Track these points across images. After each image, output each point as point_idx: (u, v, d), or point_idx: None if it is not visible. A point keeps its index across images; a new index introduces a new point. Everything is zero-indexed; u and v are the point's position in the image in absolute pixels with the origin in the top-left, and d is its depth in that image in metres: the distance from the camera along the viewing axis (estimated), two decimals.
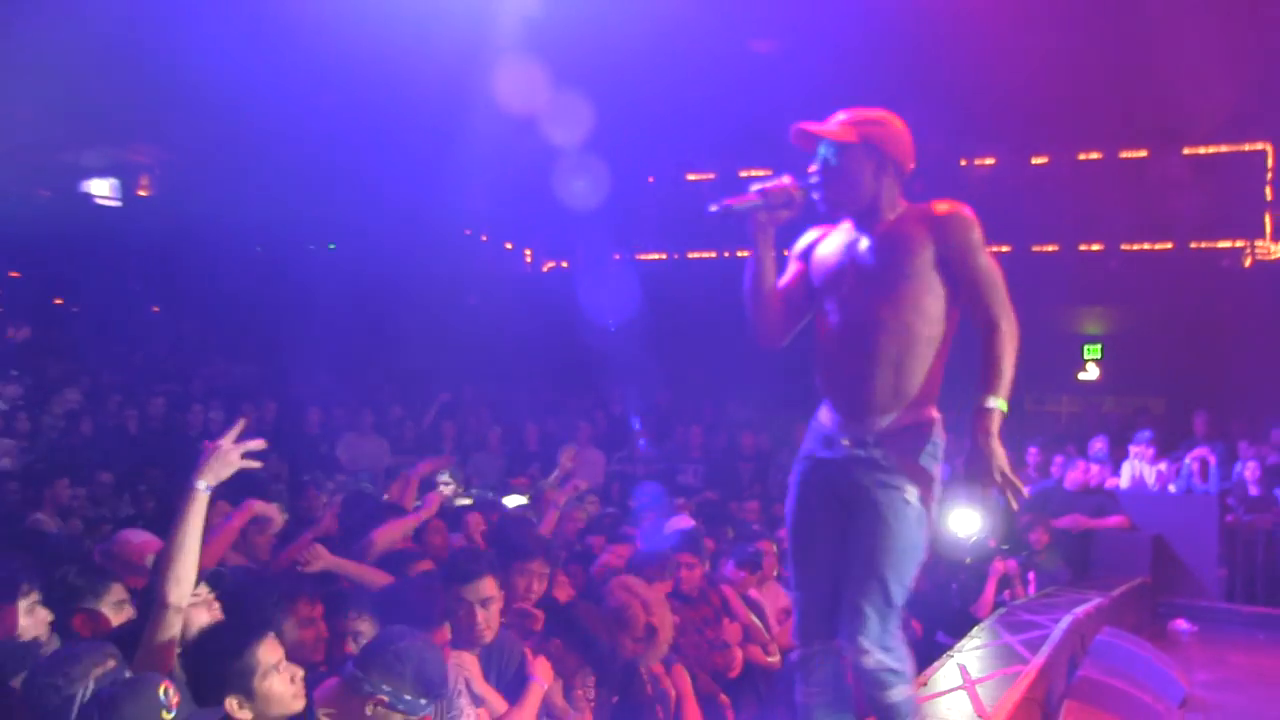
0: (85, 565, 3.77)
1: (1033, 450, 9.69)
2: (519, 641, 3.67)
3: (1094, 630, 6.26)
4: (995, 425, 2.85)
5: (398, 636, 2.89)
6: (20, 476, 6.52)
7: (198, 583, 2.88)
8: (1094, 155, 12.81)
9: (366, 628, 3.32)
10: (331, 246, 15.15)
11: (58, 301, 13.28)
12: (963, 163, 13.19)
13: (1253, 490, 8.91)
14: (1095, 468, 9.15)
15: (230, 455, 2.85)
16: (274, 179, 12.82)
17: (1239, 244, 12.03)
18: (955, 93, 10.95)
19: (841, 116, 3.01)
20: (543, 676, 3.54)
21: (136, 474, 6.92)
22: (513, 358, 11.62)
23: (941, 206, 2.95)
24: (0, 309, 12.05)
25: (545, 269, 15.71)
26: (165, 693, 2.35)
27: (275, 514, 4.46)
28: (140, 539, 4.01)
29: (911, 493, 2.90)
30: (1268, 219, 11.96)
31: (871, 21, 9.78)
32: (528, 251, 15.95)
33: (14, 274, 13.44)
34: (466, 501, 7.03)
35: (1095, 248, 12.51)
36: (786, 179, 3.05)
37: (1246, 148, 12.17)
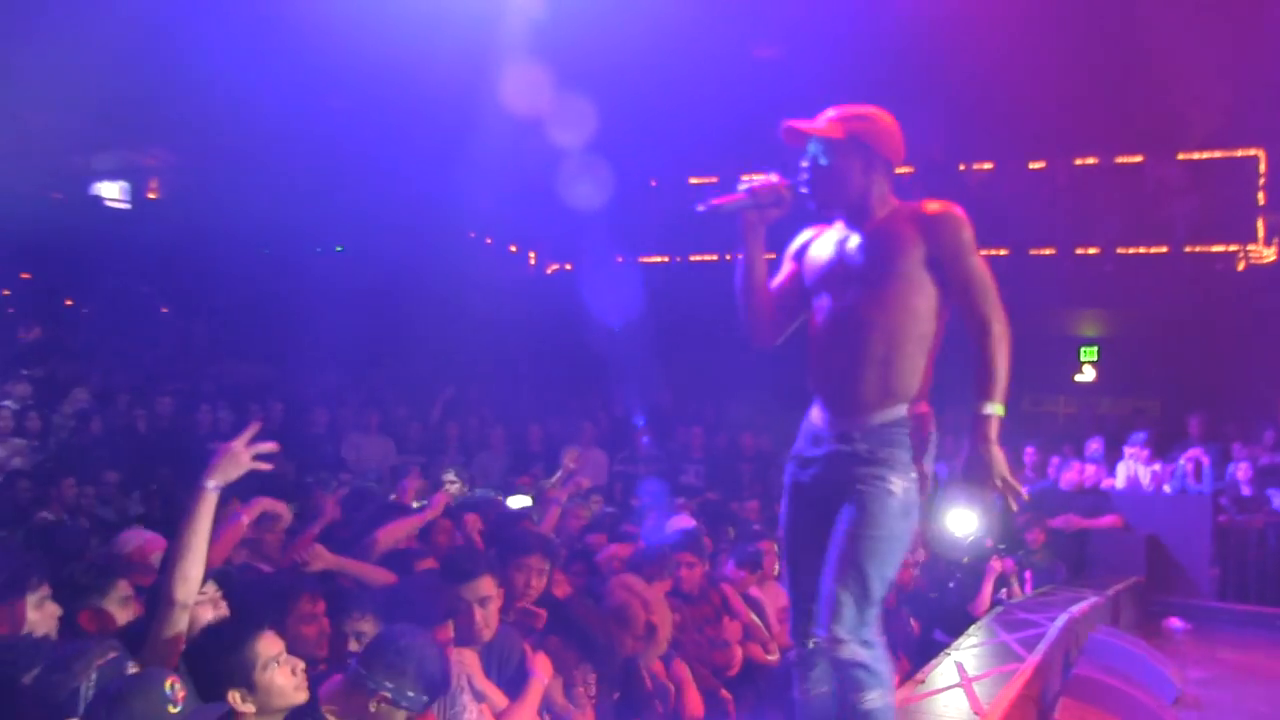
0: (91, 563, 3.79)
1: (1029, 450, 9.70)
2: (519, 638, 3.67)
3: (1089, 629, 6.26)
4: (993, 431, 2.83)
5: (401, 635, 2.89)
6: (31, 475, 6.52)
7: (205, 581, 2.89)
8: (1090, 160, 12.81)
9: (369, 628, 3.32)
10: (339, 249, 15.16)
11: (68, 302, 13.28)
12: (961, 167, 13.19)
13: (1245, 491, 8.91)
14: (1091, 468, 9.16)
15: (241, 457, 2.86)
16: (281, 182, 12.85)
17: (1232, 248, 12.02)
18: (954, 99, 10.96)
19: (831, 114, 2.97)
20: (542, 672, 3.55)
21: (144, 473, 6.92)
22: (516, 359, 11.63)
23: (932, 206, 2.91)
24: (11, 310, 12.05)
25: (549, 271, 15.70)
26: (172, 687, 2.35)
27: (284, 511, 4.46)
28: (143, 538, 4.01)
29: (896, 484, 2.84)
30: (1260, 223, 11.95)
31: (872, 28, 9.80)
32: (531, 254, 15.95)
33: (25, 275, 13.44)
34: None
35: (1091, 251, 12.49)
36: (775, 177, 3.02)
37: (1240, 153, 12.16)
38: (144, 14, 9.32)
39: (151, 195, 17.00)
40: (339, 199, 12.96)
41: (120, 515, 6.16)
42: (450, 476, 7.69)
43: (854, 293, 2.92)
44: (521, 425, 10.17)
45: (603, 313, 10.65)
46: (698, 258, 13.50)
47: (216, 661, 2.64)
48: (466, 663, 3.39)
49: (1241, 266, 11.93)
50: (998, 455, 2.82)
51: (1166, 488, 9.09)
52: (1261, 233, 11.95)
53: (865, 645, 2.81)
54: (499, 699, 3.42)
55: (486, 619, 3.49)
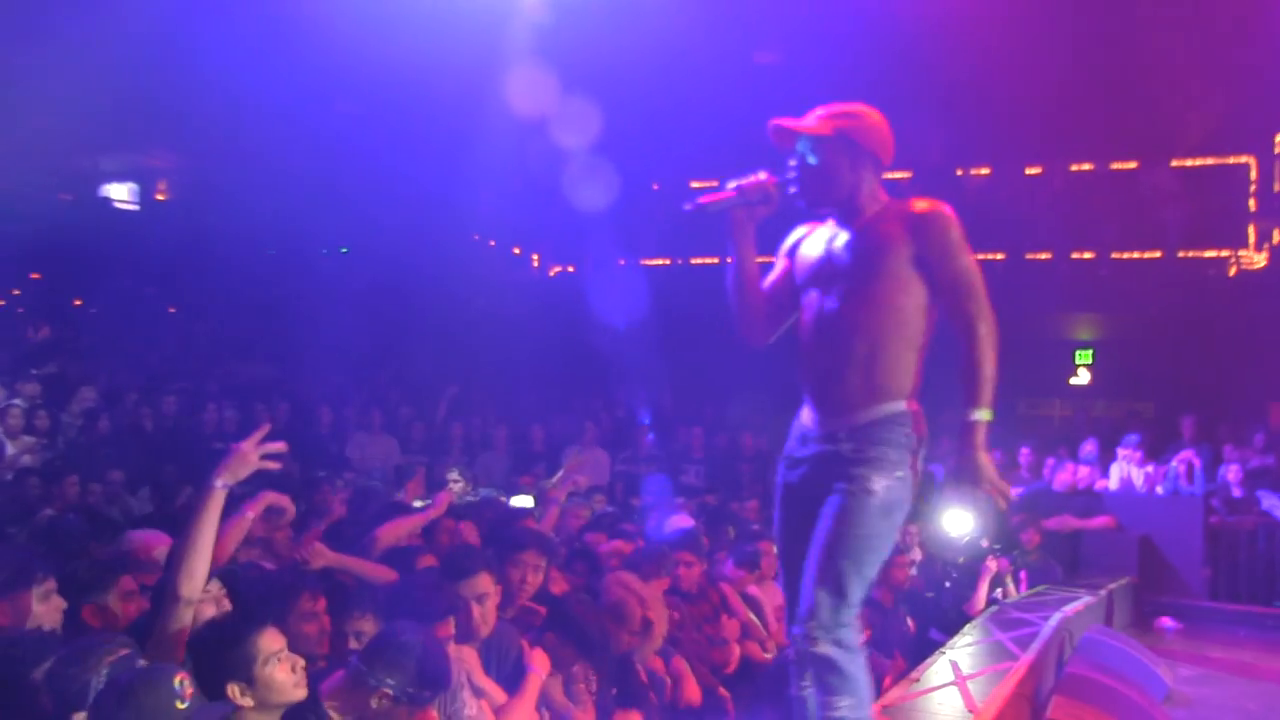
0: (94, 559, 3.80)
1: (1025, 452, 9.70)
2: (516, 634, 3.68)
3: (1082, 628, 6.27)
4: (981, 437, 2.76)
5: (401, 632, 2.90)
6: (40, 473, 6.53)
7: (210, 579, 2.91)
8: (1086, 166, 12.83)
9: (368, 626, 3.32)
10: (344, 250, 15.17)
11: (77, 303, 13.29)
12: (959, 172, 13.21)
13: (1235, 492, 8.92)
14: (1084, 469, 9.17)
15: (250, 457, 2.88)
16: (288, 184, 12.86)
17: (1224, 253, 12.04)
18: (952, 104, 10.99)
19: (819, 112, 2.93)
20: (540, 667, 3.55)
21: (150, 471, 6.93)
22: (519, 360, 11.62)
23: (920, 205, 2.85)
24: (21, 309, 12.07)
25: (552, 273, 15.70)
26: (180, 684, 2.36)
27: (288, 504, 4.46)
28: (146, 535, 4.02)
29: (877, 483, 2.76)
30: (1251, 230, 11.98)
31: (871, 34, 9.82)
32: (535, 256, 15.95)
33: (34, 275, 13.46)
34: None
35: (1087, 256, 12.51)
36: (763, 175, 2.98)
37: (1231, 160, 12.20)
38: (152, 18, 9.33)
39: (160, 197, 17.02)
40: (344, 201, 12.97)
41: (124, 513, 6.16)
42: (454, 476, 7.70)
43: (840, 291, 2.87)
44: (524, 425, 10.17)
45: (605, 314, 10.66)
46: (699, 260, 13.51)
47: (218, 655, 2.65)
48: (465, 659, 3.39)
49: (1233, 272, 11.95)
50: (985, 461, 2.75)
51: (1159, 489, 9.09)
52: (1252, 239, 11.98)
53: (839, 645, 2.72)
54: (498, 694, 3.43)
55: (484, 615, 3.50)
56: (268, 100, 10.23)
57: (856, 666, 2.74)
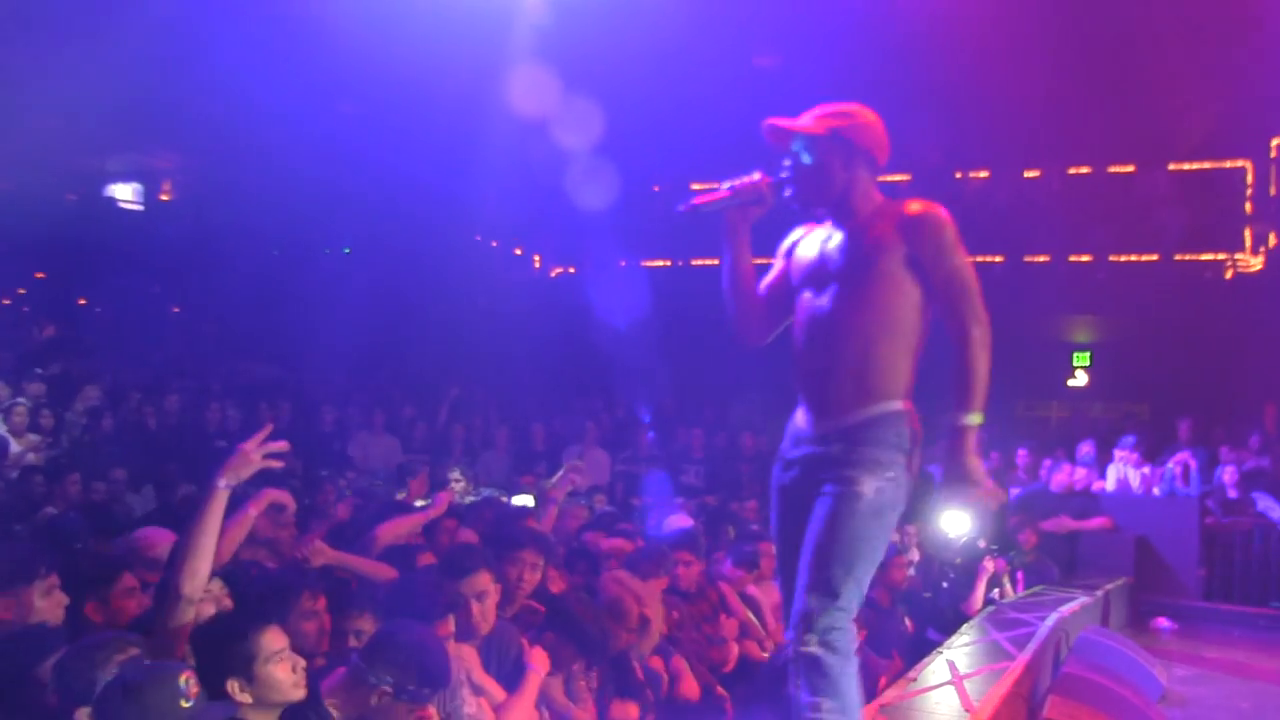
0: (96, 556, 3.80)
1: (1022, 453, 9.70)
2: (516, 633, 3.68)
3: (1078, 628, 6.28)
4: (971, 442, 2.71)
5: (401, 630, 2.91)
6: (44, 471, 6.54)
7: (212, 578, 2.92)
8: (1083, 170, 12.84)
9: (368, 625, 3.32)
10: (346, 250, 15.18)
11: (81, 301, 13.30)
12: (958, 175, 13.22)
13: (1231, 493, 8.92)
14: (1081, 471, 9.17)
15: (252, 457, 2.88)
16: (291, 185, 12.86)
17: (1220, 257, 12.06)
18: (951, 108, 11.00)
19: (814, 112, 2.90)
20: (539, 665, 3.55)
21: (153, 470, 6.93)
22: (521, 360, 11.63)
23: (913, 206, 2.80)
24: (26, 308, 12.08)
25: (553, 274, 15.71)
26: (186, 682, 2.37)
27: (289, 500, 4.47)
28: (153, 534, 4.03)
29: (866, 484, 2.71)
30: (1247, 233, 11.99)
31: (871, 38, 9.82)
32: (536, 257, 15.96)
33: (40, 274, 13.47)
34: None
35: (1084, 258, 12.52)
36: (757, 175, 2.95)
37: (1228, 165, 12.22)
38: (157, 20, 9.35)
39: (164, 197, 17.04)
40: (347, 202, 12.99)
41: (125, 511, 6.17)
42: (456, 476, 7.71)
43: (833, 292, 2.84)
44: (525, 425, 10.18)
45: (606, 315, 10.67)
46: (699, 262, 13.52)
47: (220, 650, 2.66)
48: (465, 657, 3.39)
49: (1229, 275, 11.96)
50: (975, 465, 2.71)
51: (1155, 490, 9.10)
52: (1248, 242, 11.99)
53: (829, 649, 2.67)
54: (497, 692, 3.43)
55: (484, 614, 3.50)
56: (271, 101, 10.24)
57: (844, 672, 2.69)
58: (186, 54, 9.95)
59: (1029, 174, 13.08)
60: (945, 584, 7.09)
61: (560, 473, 5.91)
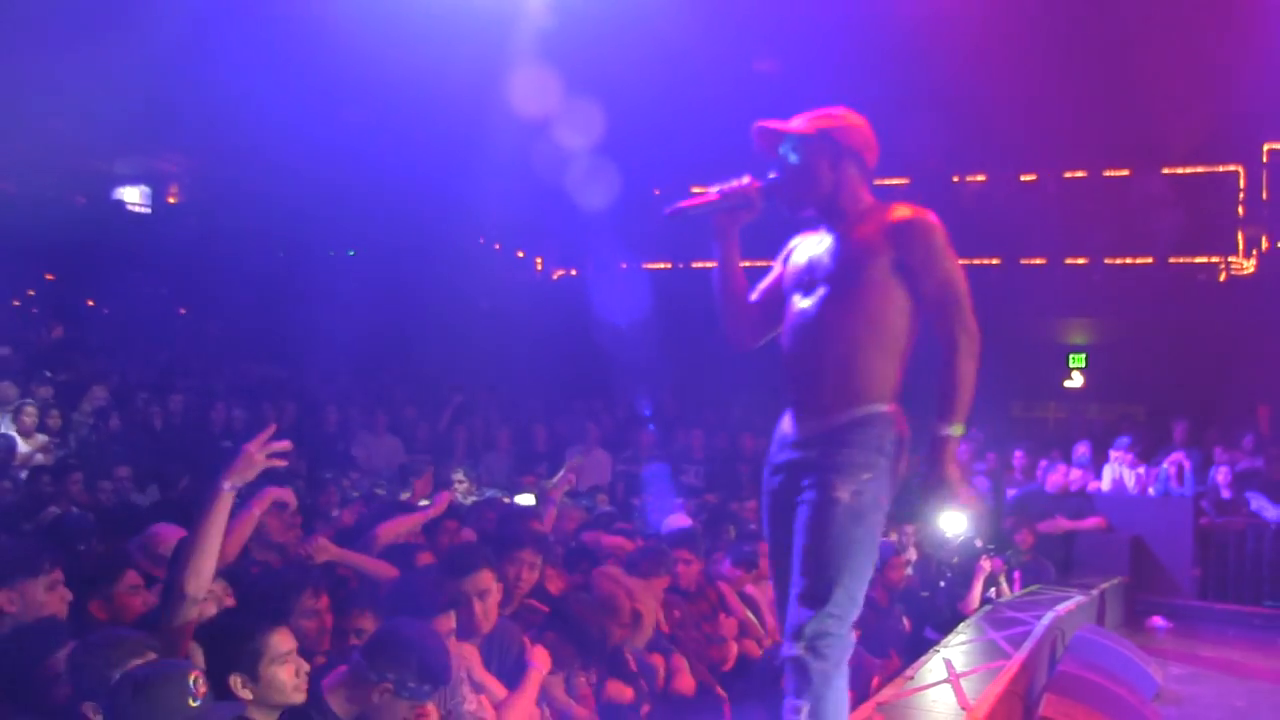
0: (100, 553, 3.79)
1: (1019, 454, 9.68)
2: (517, 631, 3.67)
3: (1074, 627, 6.26)
4: (951, 452, 2.67)
5: (401, 627, 2.90)
6: (50, 470, 6.53)
7: (216, 578, 2.92)
8: (1079, 174, 12.84)
9: (369, 624, 3.32)
10: (351, 253, 15.18)
11: (89, 303, 13.31)
12: (955, 179, 13.22)
13: (1225, 494, 8.90)
14: (1077, 471, 9.16)
15: (256, 458, 2.88)
16: (296, 188, 12.87)
17: (1214, 259, 12.06)
18: (949, 113, 11.00)
19: (803, 116, 2.87)
20: (540, 663, 3.55)
21: (159, 469, 6.93)
22: (523, 361, 11.63)
23: (902, 210, 2.74)
24: (35, 310, 12.08)
25: (555, 276, 15.72)
26: (194, 681, 2.37)
27: (290, 498, 4.46)
28: (165, 531, 4.02)
29: (844, 489, 2.65)
30: (1240, 236, 11.99)
31: (870, 44, 9.83)
32: (538, 259, 15.97)
33: (49, 276, 13.48)
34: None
35: (1080, 261, 12.52)
36: (746, 179, 2.91)
37: (1221, 169, 12.22)
38: (165, 26, 9.35)
39: (171, 200, 17.06)
40: (351, 205, 12.99)
41: (129, 510, 6.15)
42: (459, 477, 7.71)
43: (819, 295, 2.80)
44: (527, 426, 10.17)
45: (607, 316, 10.67)
46: (700, 264, 13.52)
47: (228, 646, 2.67)
48: (466, 655, 3.39)
49: (1223, 277, 11.96)
50: (954, 475, 2.66)
51: (1150, 490, 9.08)
52: (1241, 245, 11.99)
53: (817, 656, 2.61)
54: (498, 690, 3.42)
55: (485, 612, 3.49)
56: (277, 105, 10.25)
57: (831, 681, 2.63)
58: (193, 59, 9.96)
59: (1025, 177, 13.08)
60: (942, 583, 7.08)
61: (560, 473, 5.91)
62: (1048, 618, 5.82)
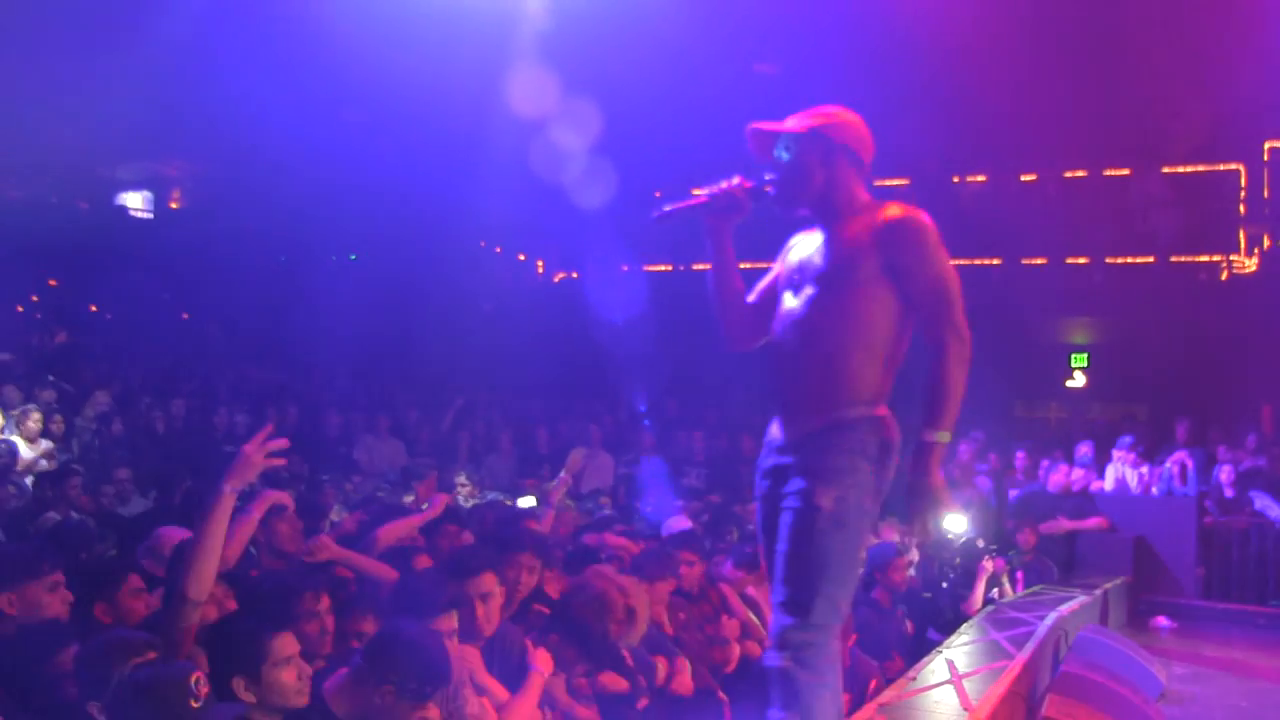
0: (103, 557, 3.80)
1: (1020, 454, 9.66)
2: (519, 634, 3.67)
3: (1077, 627, 6.24)
4: (937, 460, 2.57)
5: (402, 629, 2.91)
6: (53, 475, 6.52)
7: (217, 581, 2.93)
8: (1080, 173, 12.82)
9: (370, 628, 3.32)
10: (353, 257, 15.20)
11: (93, 308, 13.33)
12: (955, 179, 13.21)
13: (1228, 493, 8.87)
14: (1079, 471, 9.13)
15: (255, 459, 2.88)
16: (298, 192, 12.89)
17: (1216, 258, 12.03)
18: (949, 114, 10.99)
19: (797, 115, 2.84)
20: (542, 666, 3.55)
21: (161, 473, 6.93)
22: (524, 364, 11.63)
23: (892, 211, 2.66)
24: (39, 315, 12.10)
25: (557, 279, 15.73)
26: (196, 683, 2.38)
27: (288, 500, 4.46)
28: (172, 534, 4.03)
29: (824, 496, 2.57)
30: (1242, 235, 11.97)
31: (870, 45, 9.83)
32: (540, 262, 15.98)
33: (52, 282, 13.50)
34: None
35: (1081, 261, 12.50)
36: (736, 179, 2.87)
37: (1221, 168, 12.20)
38: (167, 33, 9.38)
39: (174, 205, 17.09)
40: (353, 209, 13.01)
41: (130, 514, 6.15)
42: (462, 480, 7.72)
43: (807, 295, 2.74)
44: (529, 428, 10.16)
45: (608, 318, 10.67)
46: (700, 266, 13.50)
47: (230, 649, 2.69)
48: (467, 658, 3.38)
49: (1225, 276, 11.94)
50: (940, 487, 2.57)
51: (1153, 490, 9.06)
52: (1243, 244, 11.97)
53: (802, 665, 2.55)
54: (500, 692, 3.42)
55: (488, 615, 3.49)
56: (278, 110, 10.27)
57: (816, 691, 2.56)
58: (195, 64, 9.98)
59: (1025, 178, 13.06)
60: (945, 584, 7.07)
61: (562, 474, 5.90)
62: (1050, 618, 5.80)
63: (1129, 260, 12.30)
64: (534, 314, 12.71)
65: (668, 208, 2.95)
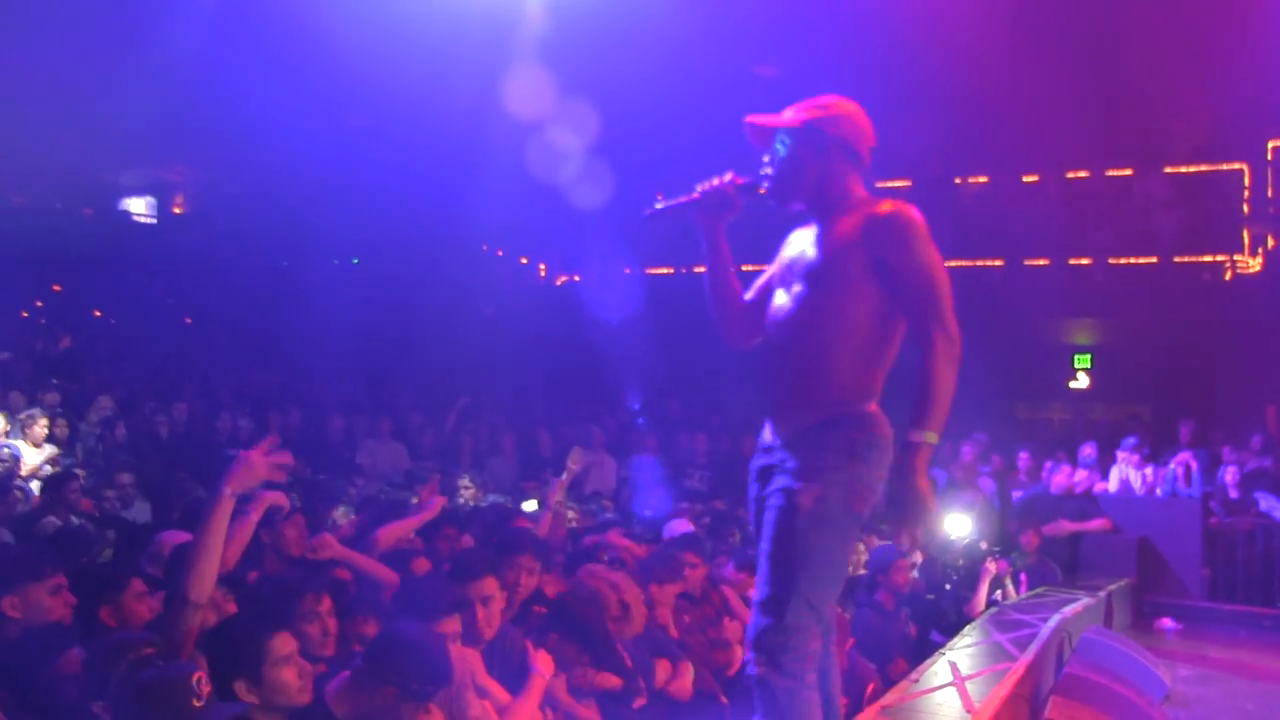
0: (106, 561, 3.81)
1: (1024, 455, 9.64)
2: (520, 636, 3.67)
3: (1081, 629, 6.23)
4: (922, 461, 2.46)
5: (401, 630, 2.92)
6: (53, 480, 6.53)
7: (217, 585, 2.94)
8: (1082, 174, 12.82)
9: (372, 631, 3.33)
10: (355, 261, 15.23)
11: (96, 313, 13.36)
12: (957, 181, 13.21)
13: (1233, 494, 8.85)
14: (1082, 472, 9.11)
15: (258, 467, 2.90)
16: (300, 197, 12.93)
17: (1219, 258, 12.02)
18: (951, 115, 10.99)
19: (795, 106, 2.79)
20: (543, 668, 3.55)
21: (164, 478, 6.94)
22: (527, 367, 11.64)
23: (883, 206, 2.60)
24: (43, 321, 12.13)
25: (559, 282, 15.74)
26: (198, 682, 2.39)
27: (284, 501, 4.47)
28: (175, 538, 4.04)
29: (805, 494, 2.51)
30: (1245, 235, 11.96)
31: (871, 47, 9.83)
32: (542, 265, 16.00)
33: (56, 287, 13.54)
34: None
35: (1084, 262, 12.49)
36: (729, 176, 2.84)
37: (1224, 167, 12.19)
38: (169, 39, 9.42)
39: (177, 210, 17.14)
40: (355, 213, 13.03)
41: (132, 518, 6.16)
42: (465, 483, 7.72)
43: (796, 291, 2.69)
44: (531, 431, 10.17)
45: (610, 321, 10.68)
46: (702, 269, 13.50)
47: (230, 651, 2.69)
48: (468, 660, 3.39)
49: (1228, 276, 11.92)
50: (925, 490, 2.45)
51: (1157, 491, 9.03)
52: (1246, 244, 11.96)
53: (778, 671, 2.48)
54: (501, 695, 3.42)
55: (488, 618, 3.50)
56: (280, 115, 10.30)
57: (794, 696, 2.50)
58: (197, 70, 10.01)
59: (1027, 179, 13.06)
60: (948, 586, 7.05)
61: (564, 475, 5.90)
62: (1054, 620, 5.79)
63: (1132, 261, 12.29)
64: (536, 317, 12.72)
65: (659, 204, 2.92)
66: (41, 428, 7.31)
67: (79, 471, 6.74)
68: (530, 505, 6.93)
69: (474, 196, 12.03)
